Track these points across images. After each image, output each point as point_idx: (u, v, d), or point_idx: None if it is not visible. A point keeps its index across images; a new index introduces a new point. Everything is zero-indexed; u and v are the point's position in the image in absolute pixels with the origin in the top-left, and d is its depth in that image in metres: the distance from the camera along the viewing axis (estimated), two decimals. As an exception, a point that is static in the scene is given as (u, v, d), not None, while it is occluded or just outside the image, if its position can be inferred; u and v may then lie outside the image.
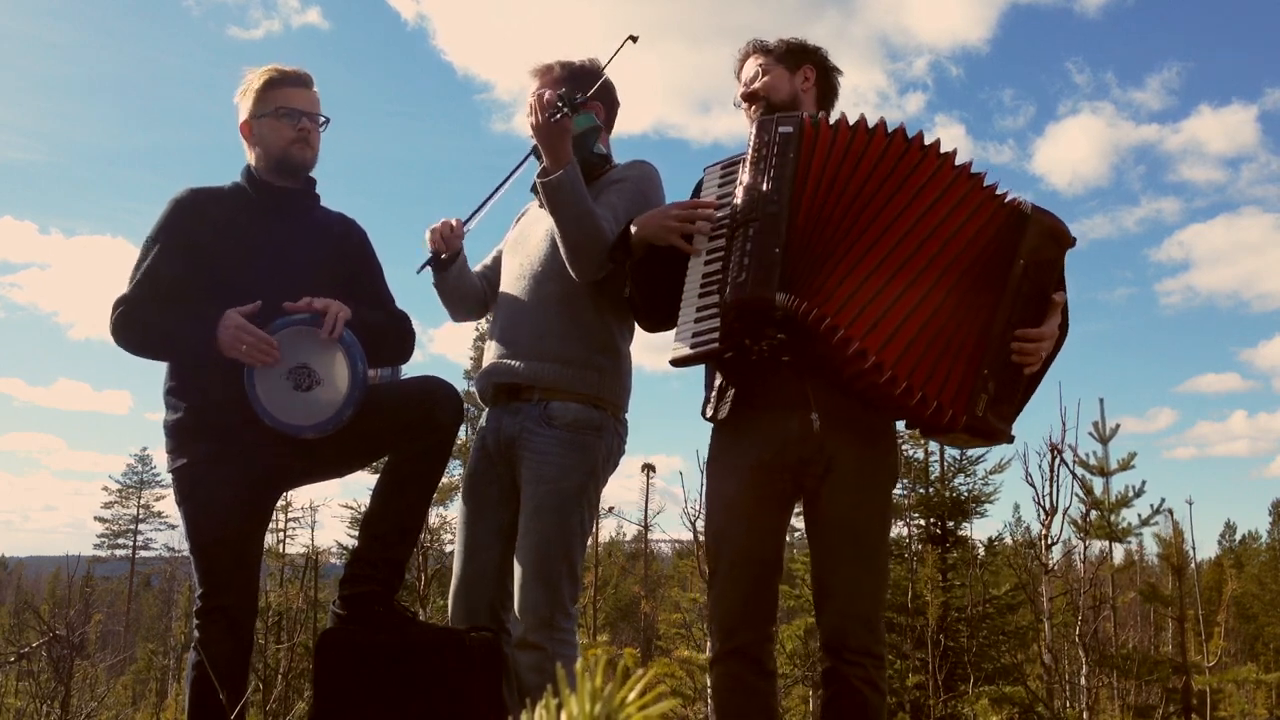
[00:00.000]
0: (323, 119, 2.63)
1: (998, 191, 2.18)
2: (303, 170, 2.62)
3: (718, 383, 2.39)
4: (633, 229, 2.39)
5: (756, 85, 2.54)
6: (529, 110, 2.44)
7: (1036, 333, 2.14)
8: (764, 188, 2.17)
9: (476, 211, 2.75)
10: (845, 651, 2.25)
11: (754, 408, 2.31)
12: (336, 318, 2.38)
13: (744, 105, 2.58)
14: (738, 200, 2.22)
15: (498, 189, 2.73)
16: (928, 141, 2.19)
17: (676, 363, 2.19)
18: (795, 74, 2.55)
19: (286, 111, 2.55)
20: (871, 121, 2.19)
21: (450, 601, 2.72)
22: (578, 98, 2.45)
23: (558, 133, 2.40)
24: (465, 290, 2.82)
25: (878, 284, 2.09)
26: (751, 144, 2.25)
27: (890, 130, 2.18)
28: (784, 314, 2.08)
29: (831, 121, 2.22)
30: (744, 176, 2.23)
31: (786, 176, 2.15)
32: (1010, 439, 2.18)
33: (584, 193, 2.44)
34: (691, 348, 2.15)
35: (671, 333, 2.25)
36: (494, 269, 2.92)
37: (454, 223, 2.74)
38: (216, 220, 2.53)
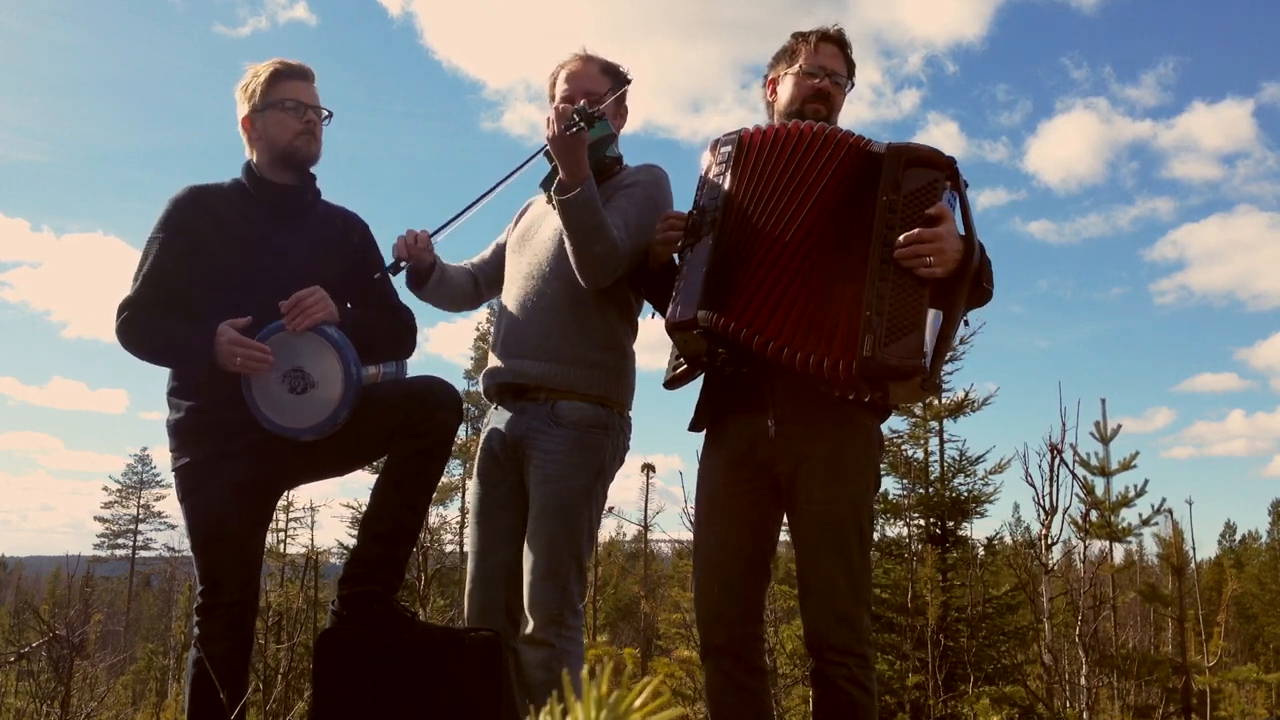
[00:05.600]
0: (326, 112, 2.63)
1: (858, 144, 2.21)
2: (308, 163, 2.61)
3: (702, 396, 2.49)
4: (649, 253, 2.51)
5: (835, 95, 2.49)
6: (546, 123, 2.42)
7: (915, 234, 2.08)
8: (703, 210, 2.29)
9: (448, 224, 2.68)
10: (827, 651, 2.26)
11: (728, 413, 2.41)
12: (304, 308, 2.36)
13: (804, 88, 2.48)
14: (691, 225, 2.34)
15: (474, 204, 2.66)
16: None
17: (666, 386, 2.38)
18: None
19: (294, 104, 2.55)
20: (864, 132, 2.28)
21: (466, 600, 2.74)
22: (595, 110, 2.44)
23: (574, 146, 2.39)
24: (448, 293, 2.81)
25: (776, 273, 2.18)
26: (702, 167, 2.37)
27: (802, 129, 2.26)
28: (706, 331, 2.17)
29: (763, 133, 2.30)
30: (697, 200, 2.36)
31: (720, 195, 2.28)
32: (924, 371, 2.06)
33: (599, 206, 2.45)
34: (672, 370, 2.35)
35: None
36: (491, 262, 2.92)
37: (421, 234, 2.67)
38: (218, 218, 2.53)
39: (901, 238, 2.08)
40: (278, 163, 2.59)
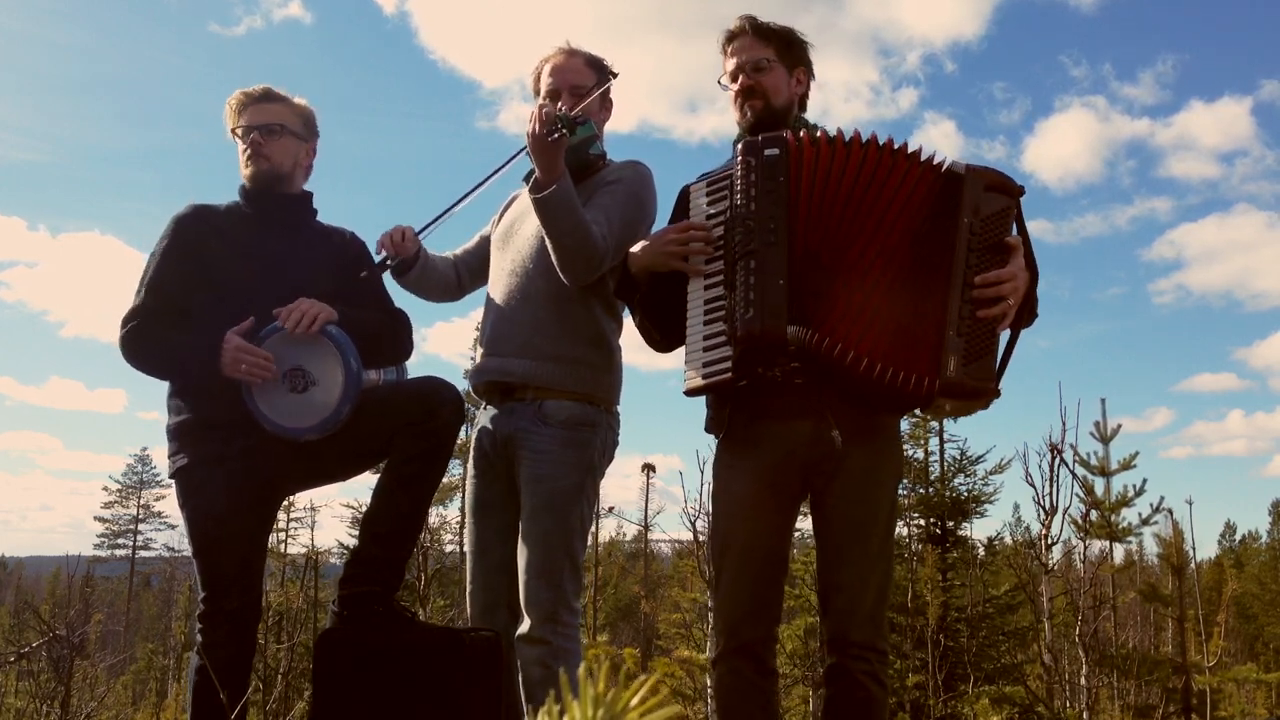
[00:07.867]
0: (276, 126, 2.64)
1: (935, 162, 2.23)
2: (268, 181, 2.64)
3: (724, 400, 2.40)
4: (630, 263, 2.41)
5: (762, 80, 2.47)
6: (530, 118, 2.42)
7: (995, 275, 2.16)
8: (759, 217, 2.19)
9: (433, 222, 2.72)
10: (850, 646, 2.28)
11: (763, 418, 2.35)
12: (304, 314, 2.38)
13: (735, 95, 2.49)
14: (735, 228, 2.23)
15: (459, 202, 2.68)
16: (912, 146, 2.23)
17: (691, 393, 2.27)
18: (791, 75, 2.52)
19: (241, 131, 2.64)
20: (862, 130, 2.24)
21: (468, 600, 2.76)
22: (578, 115, 2.44)
23: (553, 149, 2.39)
24: (429, 282, 2.85)
25: (865, 289, 2.17)
26: (739, 168, 2.24)
27: (865, 140, 2.22)
28: (797, 346, 2.15)
29: (813, 140, 2.23)
30: (735, 202, 2.24)
31: (780, 204, 2.18)
32: (995, 394, 2.20)
33: (575, 204, 2.44)
34: (704, 378, 2.22)
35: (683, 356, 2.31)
36: (474, 254, 2.94)
37: (407, 230, 2.73)
38: (219, 231, 2.58)
39: (982, 278, 2.15)
40: (254, 185, 2.66)
